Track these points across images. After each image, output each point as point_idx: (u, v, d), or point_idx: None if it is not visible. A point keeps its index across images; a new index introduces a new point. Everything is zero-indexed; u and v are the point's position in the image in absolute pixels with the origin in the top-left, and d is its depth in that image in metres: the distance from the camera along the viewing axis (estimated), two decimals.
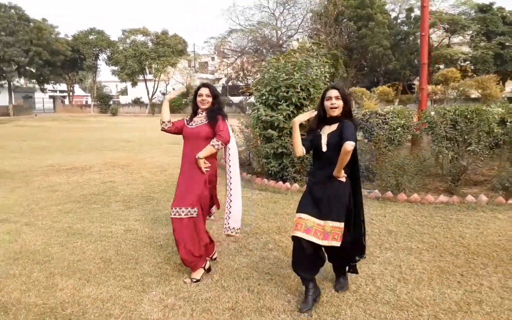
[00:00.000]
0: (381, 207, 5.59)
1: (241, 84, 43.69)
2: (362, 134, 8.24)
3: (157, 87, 44.07)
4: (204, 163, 3.53)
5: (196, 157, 3.48)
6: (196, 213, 3.46)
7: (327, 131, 3.11)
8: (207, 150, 3.51)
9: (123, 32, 43.03)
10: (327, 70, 7.26)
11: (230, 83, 44.09)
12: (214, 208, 3.89)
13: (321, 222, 3.01)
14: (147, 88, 43.65)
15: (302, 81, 6.74)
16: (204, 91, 3.65)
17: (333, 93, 3.09)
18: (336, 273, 3.38)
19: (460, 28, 35.54)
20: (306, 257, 3.06)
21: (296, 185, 6.66)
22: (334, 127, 3.08)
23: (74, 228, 4.96)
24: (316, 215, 3.03)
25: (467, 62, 35.49)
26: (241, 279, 3.49)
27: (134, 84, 43.96)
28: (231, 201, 3.80)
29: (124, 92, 59.43)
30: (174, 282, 3.47)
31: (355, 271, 3.38)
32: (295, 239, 3.03)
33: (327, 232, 2.99)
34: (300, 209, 3.12)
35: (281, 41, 39.40)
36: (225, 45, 40.40)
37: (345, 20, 36.18)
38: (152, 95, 43.93)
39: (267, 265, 3.78)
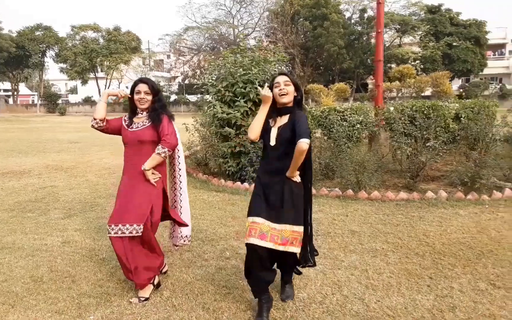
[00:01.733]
0: (343, 206, 5.37)
1: (198, 82, 42.93)
2: (321, 131, 8.04)
3: (109, 86, 42.31)
4: (153, 173, 3.07)
5: (142, 169, 2.99)
6: (141, 230, 2.97)
7: (278, 123, 2.79)
8: (153, 160, 3.01)
9: (72, 28, 41.01)
10: (285, 65, 6.98)
11: (186, 81, 43.13)
12: (180, 230, 3.40)
13: (277, 226, 2.68)
14: (98, 87, 41.84)
15: (260, 76, 6.42)
16: (142, 87, 3.09)
17: (282, 78, 2.78)
18: (283, 281, 3.07)
19: (411, 28, 36.90)
20: (261, 266, 2.72)
21: None
22: (285, 119, 2.76)
23: (3, 241, 4.33)
24: (271, 219, 2.70)
25: (417, 62, 36.88)
26: (195, 295, 3.09)
27: (84, 82, 42.04)
28: (181, 207, 3.39)
29: (74, 90, 56.84)
30: (116, 302, 3.00)
31: (299, 272, 3.12)
32: (249, 246, 2.69)
33: (285, 237, 2.67)
34: (252, 212, 2.77)
35: (238, 39, 39.04)
36: (181, 43, 39.50)
37: (301, 19, 36.53)
38: None
39: (224, 276, 3.40)
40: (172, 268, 3.55)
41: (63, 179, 7.57)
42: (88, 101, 46.78)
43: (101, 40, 41.87)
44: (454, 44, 35.77)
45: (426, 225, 4.53)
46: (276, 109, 2.81)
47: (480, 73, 38.04)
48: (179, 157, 3.35)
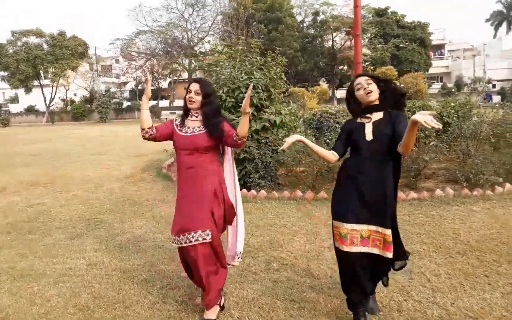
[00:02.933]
0: None
1: (152, 87, 41.78)
2: (313, 134, 8.10)
3: (55, 93, 39.98)
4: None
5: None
6: (209, 237, 2.81)
7: (372, 117, 2.71)
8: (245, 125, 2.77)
9: (13, 33, 38.24)
10: (282, 69, 6.94)
11: (139, 87, 41.84)
12: (237, 246, 3.14)
13: (379, 229, 2.62)
14: (43, 95, 39.33)
15: (263, 80, 6.34)
16: (194, 86, 2.91)
17: (362, 79, 2.73)
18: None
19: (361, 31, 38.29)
20: (363, 275, 2.66)
21: (263, 192, 6.22)
22: (379, 115, 2.70)
23: (19, 267, 3.91)
24: (370, 221, 2.63)
25: (367, 63, 38.38)
26: (266, 312, 2.95)
27: (28, 90, 39.38)
28: (238, 217, 3.20)
29: (14, 99, 53.16)
30: None
31: (386, 284, 3.04)
32: (347, 255, 2.60)
33: (387, 242, 2.62)
34: (346, 217, 2.65)
35: (192, 43, 38.57)
36: (133, 47, 38.24)
37: (255, 23, 36.73)
38: (50, 102, 39.74)
39: (285, 290, 3.28)
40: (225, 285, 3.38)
41: (48, 196, 7.01)
42: (32, 110, 44.00)
43: (45, 46, 39.46)
44: (402, 45, 37.70)
45: (450, 223, 4.68)
46: (364, 109, 2.75)
47: (426, 73, 40.34)
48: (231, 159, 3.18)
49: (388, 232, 2.61)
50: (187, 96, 2.94)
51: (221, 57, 7.23)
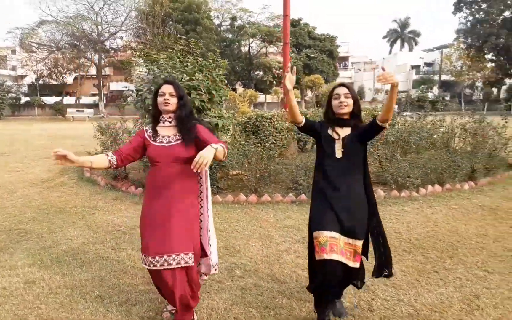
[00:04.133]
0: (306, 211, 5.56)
1: (55, 82, 38.41)
2: (246, 136, 8.10)
3: None
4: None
5: (210, 146, 2.42)
6: (192, 260, 2.63)
7: (341, 133, 2.81)
8: (220, 151, 2.50)
9: None
10: (224, 71, 6.84)
11: (41, 81, 38.18)
12: (211, 257, 2.97)
13: (351, 240, 2.70)
14: None
15: (205, 82, 6.17)
16: (167, 88, 2.71)
17: (342, 90, 2.78)
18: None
19: (275, 39, 39.56)
20: (336, 283, 2.71)
21: (217, 197, 6.03)
22: (347, 130, 2.80)
23: None
24: (343, 233, 2.70)
25: (281, 70, 39.76)
26: None
27: None
28: (209, 230, 3.04)
29: None
30: None
31: (359, 287, 3.11)
32: (326, 262, 2.63)
33: (357, 253, 2.71)
34: (324, 226, 2.69)
35: (102, 37, 36.35)
36: (35, 38, 34.77)
37: (172, 22, 35.87)
38: None
39: (255, 297, 3.20)
40: None
41: None
42: None
43: None
44: (312, 55, 39.76)
45: (389, 223, 5.01)
46: (334, 119, 2.81)
47: (334, 82, 43.08)
48: (206, 170, 3.03)
49: (359, 243, 2.72)
50: (161, 99, 2.71)
51: (159, 57, 6.87)
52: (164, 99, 2.70)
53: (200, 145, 2.61)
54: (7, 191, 6.85)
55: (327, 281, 2.69)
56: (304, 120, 2.86)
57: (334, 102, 2.79)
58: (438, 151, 7.87)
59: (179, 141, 2.70)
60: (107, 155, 2.67)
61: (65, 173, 8.38)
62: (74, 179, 7.83)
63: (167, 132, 2.74)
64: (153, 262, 2.57)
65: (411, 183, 6.31)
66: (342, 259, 2.66)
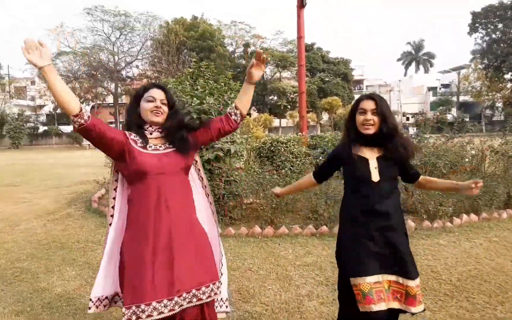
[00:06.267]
0: (327, 245, 5.01)
1: None
2: (270, 165, 7.63)
3: None
4: None
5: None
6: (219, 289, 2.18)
7: (372, 154, 2.31)
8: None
9: None
10: (236, 95, 6.46)
11: (59, 111, 38.81)
12: (221, 291, 2.33)
13: (400, 279, 2.18)
14: None
15: (217, 106, 5.78)
16: (158, 94, 2.19)
17: (369, 105, 2.27)
18: None
19: (289, 64, 39.62)
20: None
21: (230, 229, 5.54)
22: (378, 151, 2.31)
23: None
24: (389, 270, 2.19)
25: (296, 94, 39.64)
26: None
27: None
28: (222, 255, 2.46)
29: None
30: None
31: None
32: (378, 314, 2.10)
33: (410, 295, 2.17)
34: (367, 270, 2.16)
35: (119, 67, 36.92)
36: None
37: (187, 50, 36.29)
38: None
39: None
40: None
41: None
42: None
43: None
44: (327, 79, 39.57)
45: (425, 260, 4.42)
46: (362, 137, 2.33)
47: (349, 105, 42.71)
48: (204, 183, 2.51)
49: (412, 283, 2.18)
50: (150, 106, 2.17)
51: (168, 81, 6.55)
52: (156, 107, 2.17)
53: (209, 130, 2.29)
54: (10, 224, 6.50)
55: None
56: (315, 182, 2.64)
57: (359, 118, 2.31)
58: (469, 176, 7.26)
59: (171, 149, 2.19)
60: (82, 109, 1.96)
61: (73, 204, 8.04)
62: (81, 210, 7.46)
63: (155, 142, 2.21)
64: (168, 305, 1.99)
65: (444, 212, 5.71)
66: (394, 305, 2.15)
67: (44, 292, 3.84)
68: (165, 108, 2.21)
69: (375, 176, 2.25)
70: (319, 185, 2.68)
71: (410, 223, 5.56)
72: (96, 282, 2.26)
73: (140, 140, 2.16)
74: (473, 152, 8.07)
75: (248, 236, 5.40)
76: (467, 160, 7.81)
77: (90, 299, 2.24)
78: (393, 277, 2.19)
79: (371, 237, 2.22)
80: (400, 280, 2.17)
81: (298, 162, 7.63)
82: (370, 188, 2.26)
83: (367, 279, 2.13)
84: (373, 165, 2.27)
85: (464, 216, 5.79)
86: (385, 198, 2.24)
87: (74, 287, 3.94)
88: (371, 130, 2.27)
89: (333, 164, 2.52)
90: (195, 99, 5.72)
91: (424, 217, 5.78)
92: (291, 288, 3.79)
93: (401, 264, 2.20)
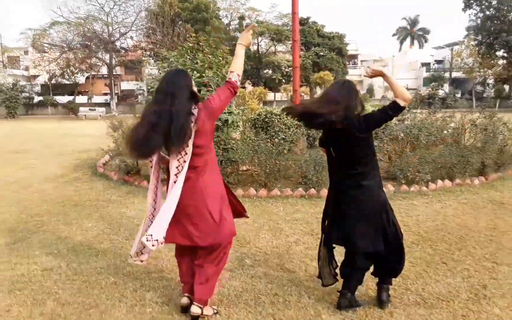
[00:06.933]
0: (315, 204, 5.61)
1: (67, 82, 38.86)
2: (264, 135, 8.14)
3: None
4: None
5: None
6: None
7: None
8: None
9: None
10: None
11: (53, 81, 38.68)
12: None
13: None
14: None
15: (215, 79, 6.27)
16: None
17: None
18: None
19: (284, 38, 39.55)
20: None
21: None
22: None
23: None
24: None
25: (290, 68, 39.76)
26: (252, 307, 2.93)
27: None
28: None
29: None
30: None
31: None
32: None
33: None
34: None
35: (113, 38, 36.69)
36: (47, 38, 35.21)
37: (181, 22, 36.06)
38: None
39: (265, 285, 3.28)
40: None
41: None
42: None
43: None
44: (321, 53, 39.62)
45: (398, 217, 4.87)
46: None
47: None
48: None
49: None
50: None
51: (169, 54, 6.98)
52: None
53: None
54: (23, 186, 7.03)
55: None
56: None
57: None
58: (448, 147, 7.86)
59: None
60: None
61: (80, 169, 8.55)
62: (88, 174, 7.99)
63: None
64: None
65: (421, 178, 6.33)
66: None
67: (66, 239, 4.42)
68: None
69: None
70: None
71: (389, 187, 6.19)
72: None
73: None
74: (452, 124, 8.64)
75: (244, 197, 5.99)
76: (445, 132, 8.39)
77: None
78: None
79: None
80: None
81: (290, 132, 8.17)
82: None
83: None
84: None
85: (439, 182, 6.43)
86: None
87: (92, 235, 4.52)
88: None
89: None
90: (195, 72, 6.20)
91: (403, 181, 6.40)
92: (282, 236, 4.40)
93: None
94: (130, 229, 4.65)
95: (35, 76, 45.33)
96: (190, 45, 6.89)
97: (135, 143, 2.47)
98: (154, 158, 2.65)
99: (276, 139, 7.47)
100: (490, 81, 42.51)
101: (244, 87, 40.37)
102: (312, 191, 6.05)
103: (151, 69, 31.46)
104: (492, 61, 38.18)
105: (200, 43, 7.04)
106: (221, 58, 6.65)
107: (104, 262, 3.76)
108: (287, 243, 4.20)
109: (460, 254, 3.91)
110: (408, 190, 6.20)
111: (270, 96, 40.04)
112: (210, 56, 6.55)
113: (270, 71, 40.30)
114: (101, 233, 4.59)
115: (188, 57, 6.68)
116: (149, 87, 6.93)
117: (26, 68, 46.98)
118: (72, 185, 7.09)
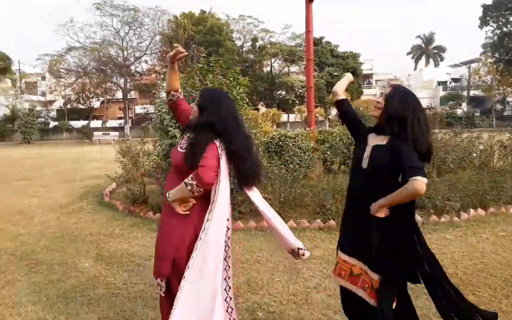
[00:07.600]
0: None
1: (82, 106, 39.24)
2: (278, 159, 7.67)
3: None
4: (183, 207, 2.33)
5: (166, 195, 2.36)
6: (163, 289, 2.35)
7: (372, 142, 2.37)
8: (179, 191, 2.28)
9: None
10: (245, 89, 6.54)
11: (69, 106, 39.13)
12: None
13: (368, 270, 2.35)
14: None
15: None
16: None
17: (386, 91, 2.39)
18: None
19: (297, 58, 39.45)
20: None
21: (239, 222, 5.65)
22: (382, 139, 2.32)
23: None
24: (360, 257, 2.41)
25: (304, 89, 39.50)
26: None
27: None
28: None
29: None
30: None
31: None
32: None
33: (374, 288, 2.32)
34: (341, 246, 2.60)
35: (128, 62, 37.07)
36: (63, 64, 35.75)
37: (195, 45, 36.29)
38: None
39: None
40: None
41: None
42: None
43: None
44: (335, 73, 39.25)
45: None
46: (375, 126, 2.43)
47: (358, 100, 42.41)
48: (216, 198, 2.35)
49: (375, 277, 2.27)
50: None
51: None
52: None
53: None
54: (25, 218, 6.67)
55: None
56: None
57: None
58: (477, 171, 7.26)
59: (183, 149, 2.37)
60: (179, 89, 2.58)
61: (85, 198, 8.19)
62: (93, 204, 7.60)
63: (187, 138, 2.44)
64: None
65: (451, 207, 5.74)
66: (351, 287, 2.43)
67: (59, 283, 3.97)
68: (195, 108, 2.45)
69: (364, 163, 2.32)
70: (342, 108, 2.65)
71: (417, 218, 5.61)
72: None
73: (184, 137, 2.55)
74: (482, 147, 8.05)
75: (257, 230, 5.49)
76: (475, 155, 7.79)
77: None
78: (362, 265, 2.34)
79: (353, 221, 2.48)
80: (369, 271, 2.30)
81: (306, 157, 7.68)
82: (359, 174, 2.37)
83: (339, 254, 2.53)
84: (368, 151, 2.33)
85: (471, 211, 5.82)
86: (370, 187, 2.29)
87: (88, 278, 4.07)
88: (375, 112, 2.37)
89: (361, 124, 2.58)
90: None
91: (432, 211, 5.82)
92: (299, 280, 3.87)
93: (367, 255, 2.31)
94: (129, 271, 4.18)
95: (51, 101, 46.05)
96: (200, 65, 6.53)
97: None
98: None
99: (291, 165, 6.99)
100: (510, 98, 41.43)
101: (257, 109, 40.22)
102: (332, 222, 5.51)
103: (164, 92, 31.55)
104: (511, 78, 37.22)
105: (211, 64, 6.68)
106: (231, 79, 6.26)
107: (95, 314, 3.28)
108: (305, 289, 3.66)
109: (509, 302, 3.33)
110: (438, 221, 5.60)
111: (284, 117, 39.73)
112: (220, 77, 6.17)
113: (284, 92, 40.06)
114: (97, 275, 4.13)
115: (198, 78, 6.31)
116: (157, 111, 6.57)
117: (43, 94, 47.81)
118: (75, 216, 6.70)
